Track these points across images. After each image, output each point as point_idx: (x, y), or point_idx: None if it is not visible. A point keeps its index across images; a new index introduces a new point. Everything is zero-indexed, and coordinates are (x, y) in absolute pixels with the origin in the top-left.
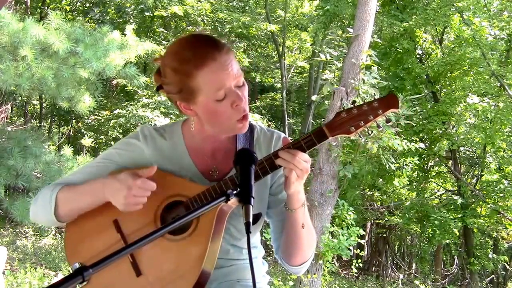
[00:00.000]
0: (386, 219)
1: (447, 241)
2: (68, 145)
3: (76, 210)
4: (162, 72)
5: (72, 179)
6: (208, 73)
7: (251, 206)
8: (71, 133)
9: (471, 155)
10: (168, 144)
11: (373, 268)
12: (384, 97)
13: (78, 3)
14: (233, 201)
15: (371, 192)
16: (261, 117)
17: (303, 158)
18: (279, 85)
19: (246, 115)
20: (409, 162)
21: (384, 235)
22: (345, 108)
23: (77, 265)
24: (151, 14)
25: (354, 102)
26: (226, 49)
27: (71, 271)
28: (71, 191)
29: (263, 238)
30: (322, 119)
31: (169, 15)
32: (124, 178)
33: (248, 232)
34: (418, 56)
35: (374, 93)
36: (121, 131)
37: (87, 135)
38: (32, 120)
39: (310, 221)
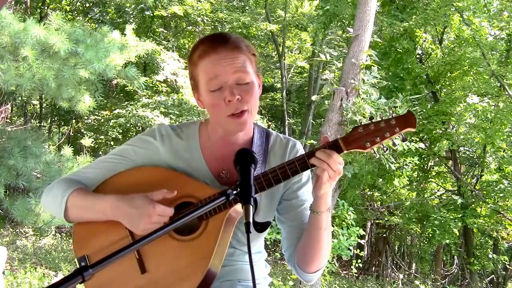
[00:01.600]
0: (386, 219)
1: (447, 241)
2: (68, 145)
3: (84, 218)
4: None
5: (86, 174)
6: (206, 63)
7: (251, 206)
8: (71, 133)
9: (471, 155)
10: (183, 144)
11: (373, 268)
12: (402, 115)
13: (78, 3)
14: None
15: (371, 192)
16: (261, 117)
17: (338, 160)
18: (279, 85)
19: (242, 113)
20: (409, 162)
21: (384, 235)
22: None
23: (84, 258)
24: (151, 14)
25: (371, 117)
26: (233, 45)
27: (76, 264)
28: (81, 200)
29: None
30: (322, 119)
31: (169, 15)
32: (142, 205)
33: (248, 232)
34: (418, 56)
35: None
36: (121, 131)
37: (87, 135)
38: (32, 120)
39: (331, 226)
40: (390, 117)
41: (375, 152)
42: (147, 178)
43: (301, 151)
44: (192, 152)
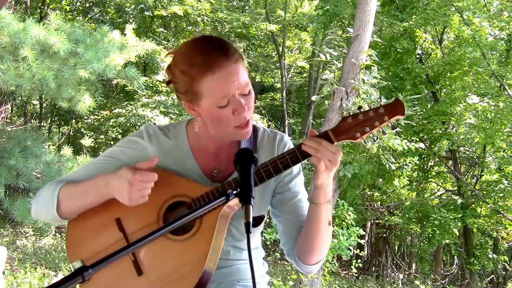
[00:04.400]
0: (386, 219)
1: (447, 241)
2: (68, 145)
3: (79, 207)
4: (172, 69)
5: (75, 177)
6: (213, 80)
7: (251, 206)
8: (71, 133)
9: (471, 155)
10: (172, 144)
11: (373, 268)
12: (390, 103)
13: (78, 3)
14: (235, 202)
15: (371, 192)
16: (261, 117)
17: (330, 148)
18: (279, 85)
19: (248, 122)
20: (409, 162)
21: (384, 235)
22: (349, 111)
23: (78, 263)
24: (151, 14)
25: (360, 107)
26: (235, 58)
27: (72, 269)
28: (73, 188)
29: (263, 238)
30: (322, 119)
31: (169, 15)
32: (124, 174)
33: (248, 232)
34: (418, 56)
35: (378, 95)
36: (121, 130)
37: (87, 135)
38: (32, 120)
39: (331, 218)
40: (378, 105)
41: (365, 142)
42: None
43: (289, 143)
44: (181, 151)
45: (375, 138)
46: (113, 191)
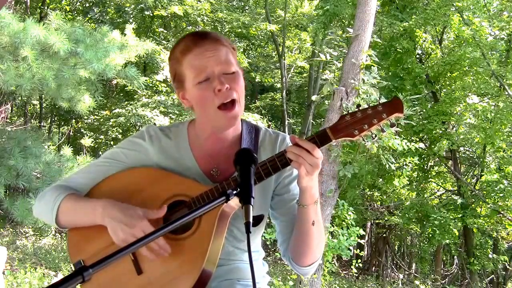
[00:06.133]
0: (386, 219)
1: (447, 241)
2: (68, 145)
3: (75, 223)
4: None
5: (78, 180)
6: (191, 57)
7: (251, 206)
8: (71, 133)
9: (471, 155)
10: (172, 144)
11: (373, 268)
12: (389, 101)
13: (78, 3)
14: (236, 202)
15: (371, 192)
16: (261, 117)
17: (313, 153)
18: (279, 85)
19: (233, 105)
20: (409, 162)
21: (384, 235)
22: (348, 110)
23: (80, 263)
24: (151, 14)
25: (358, 105)
26: (214, 39)
27: (73, 269)
28: (74, 204)
29: (263, 238)
30: (322, 119)
31: (169, 15)
32: (133, 215)
33: (248, 232)
34: (418, 56)
35: (378, 95)
36: (120, 130)
37: (87, 135)
38: (32, 120)
39: (321, 219)
40: (377, 103)
41: (364, 140)
42: (138, 179)
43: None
44: (182, 151)
45: (374, 135)
46: (106, 220)
